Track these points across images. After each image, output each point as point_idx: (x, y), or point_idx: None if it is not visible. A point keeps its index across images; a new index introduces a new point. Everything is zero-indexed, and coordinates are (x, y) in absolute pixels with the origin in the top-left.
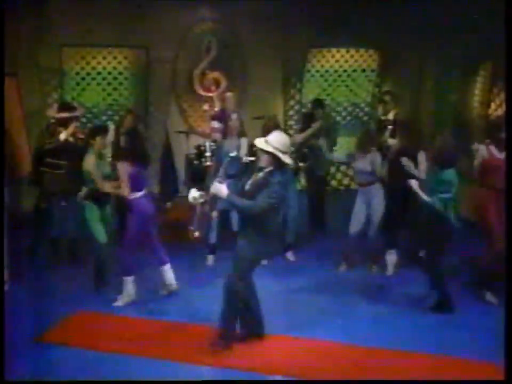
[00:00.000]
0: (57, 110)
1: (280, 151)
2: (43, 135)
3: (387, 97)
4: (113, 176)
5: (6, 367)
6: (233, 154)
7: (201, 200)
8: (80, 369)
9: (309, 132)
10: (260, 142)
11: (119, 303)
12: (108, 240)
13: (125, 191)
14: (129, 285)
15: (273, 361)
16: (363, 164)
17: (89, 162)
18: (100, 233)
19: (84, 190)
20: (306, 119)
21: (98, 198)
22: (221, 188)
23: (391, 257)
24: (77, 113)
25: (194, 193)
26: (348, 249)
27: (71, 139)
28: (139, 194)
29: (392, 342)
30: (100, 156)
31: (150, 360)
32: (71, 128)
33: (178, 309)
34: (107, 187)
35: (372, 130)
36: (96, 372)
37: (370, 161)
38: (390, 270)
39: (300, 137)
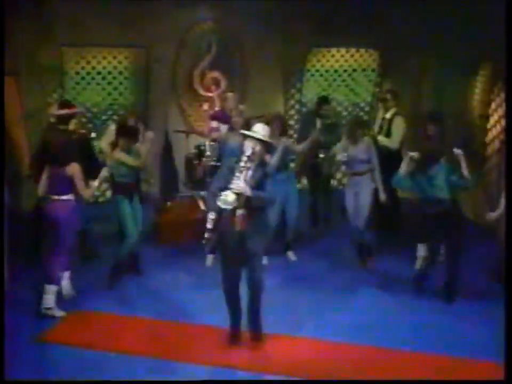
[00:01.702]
0: (57, 108)
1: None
2: (45, 134)
3: (388, 96)
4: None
5: (6, 367)
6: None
7: (232, 205)
8: (80, 369)
9: (307, 142)
10: (254, 133)
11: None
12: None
13: (83, 190)
14: (53, 295)
15: (273, 361)
16: (356, 151)
17: (119, 154)
18: (132, 229)
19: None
20: (309, 117)
21: (128, 192)
22: (245, 186)
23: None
24: (76, 110)
25: (230, 197)
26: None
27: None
28: (65, 197)
29: (392, 342)
30: (129, 151)
31: (150, 359)
32: (72, 125)
33: (178, 308)
34: (135, 162)
35: (361, 117)
36: (96, 371)
37: (365, 149)
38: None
39: (300, 148)
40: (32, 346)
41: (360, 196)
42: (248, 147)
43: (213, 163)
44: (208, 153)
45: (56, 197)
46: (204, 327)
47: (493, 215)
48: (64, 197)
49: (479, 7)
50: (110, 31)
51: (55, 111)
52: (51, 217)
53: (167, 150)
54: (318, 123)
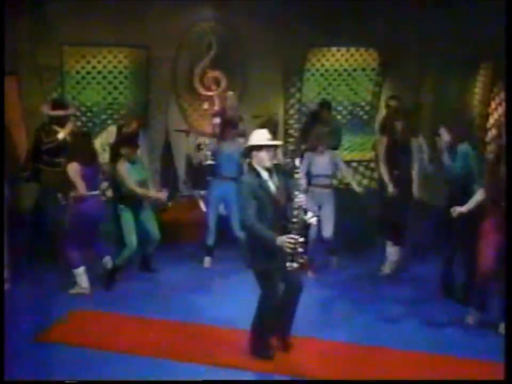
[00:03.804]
0: (51, 108)
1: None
2: (40, 133)
3: (393, 102)
4: (148, 181)
5: (6, 367)
6: None
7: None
8: (79, 368)
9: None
10: (267, 139)
11: (73, 291)
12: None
13: (81, 189)
14: (80, 276)
15: (274, 360)
16: (321, 166)
17: (122, 167)
18: (131, 241)
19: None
20: (311, 120)
21: (133, 203)
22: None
23: (392, 254)
24: (71, 112)
25: (314, 218)
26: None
27: (68, 138)
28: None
29: (392, 342)
30: (134, 161)
31: (150, 359)
32: (69, 126)
33: (178, 308)
34: (140, 190)
35: (320, 129)
36: (95, 371)
37: (329, 163)
38: (388, 267)
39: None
40: (32, 346)
41: (324, 208)
42: (268, 158)
43: (211, 162)
44: (208, 152)
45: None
46: (204, 327)
47: (459, 210)
48: (89, 192)
49: (479, 7)
50: (110, 30)
51: (49, 111)
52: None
53: (167, 150)
54: (319, 127)
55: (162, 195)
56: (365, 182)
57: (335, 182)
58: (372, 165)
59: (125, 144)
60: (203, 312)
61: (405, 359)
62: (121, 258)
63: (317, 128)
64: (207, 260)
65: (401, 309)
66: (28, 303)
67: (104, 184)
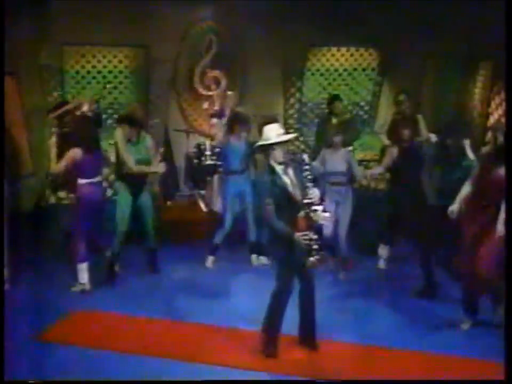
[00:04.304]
0: (53, 110)
1: None
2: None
3: (402, 97)
4: (149, 161)
5: (6, 367)
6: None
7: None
8: (80, 369)
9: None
10: (281, 136)
11: (75, 288)
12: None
13: (56, 167)
14: (82, 272)
15: (277, 361)
16: (334, 161)
17: (121, 146)
18: (122, 220)
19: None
20: (324, 117)
21: (132, 183)
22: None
23: (384, 252)
24: (75, 103)
25: (326, 213)
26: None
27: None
28: (85, 181)
29: (392, 341)
30: (135, 141)
31: (150, 359)
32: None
33: (177, 308)
34: (135, 168)
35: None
36: (96, 371)
37: (341, 160)
38: (382, 264)
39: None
40: (32, 346)
41: (341, 206)
42: (281, 154)
43: (212, 162)
44: (208, 152)
45: (84, 180)
46: (204, 327)
47: (454, 209)
48: (88, 180)
49: (479, 6)
50: (110, 30)
51: (53, 113)
52: (81, 199)
53: (167, 149)
54: (334, 121)
55: (160, 167)
56: (364, 182)
57: None
58: (372, 164)
59: (122, 123)
60: (203, 312)
61: (405, 359)
62: (113, 246)
63: (332, 123)
64: (210, 260)
65: (401, 309)
66: (28, 303)
67: (106, 171)
